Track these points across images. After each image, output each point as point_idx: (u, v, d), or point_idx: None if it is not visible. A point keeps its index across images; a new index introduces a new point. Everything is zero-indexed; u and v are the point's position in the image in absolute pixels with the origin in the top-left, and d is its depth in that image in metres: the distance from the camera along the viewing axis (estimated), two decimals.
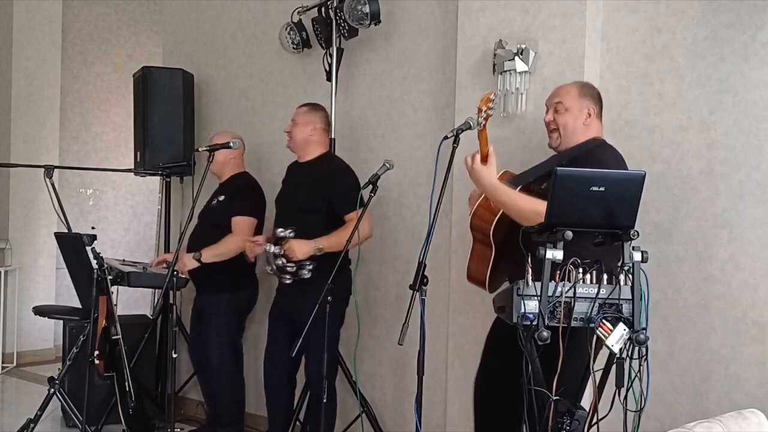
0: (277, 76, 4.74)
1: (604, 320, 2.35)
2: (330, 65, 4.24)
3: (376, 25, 4.04)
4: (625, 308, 2.38)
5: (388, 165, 3.55)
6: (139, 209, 7.74)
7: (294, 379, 4.04)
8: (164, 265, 4.20)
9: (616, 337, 2.34)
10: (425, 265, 2.87)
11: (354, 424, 4.05)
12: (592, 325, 2.35)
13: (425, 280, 2.89)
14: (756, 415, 2.13)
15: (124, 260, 4.49)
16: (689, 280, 3.10)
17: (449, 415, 3.70)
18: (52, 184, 4.11)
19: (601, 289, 2.37)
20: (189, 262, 4.08)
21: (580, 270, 2.38)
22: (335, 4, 4.13)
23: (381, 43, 4.19)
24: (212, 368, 4.31)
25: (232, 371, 4.35)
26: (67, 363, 3.99)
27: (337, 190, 3.81)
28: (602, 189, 2.34)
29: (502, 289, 2.61)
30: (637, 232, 2.37)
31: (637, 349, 2.38)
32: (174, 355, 3.69)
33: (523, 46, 3.36)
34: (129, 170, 5.34)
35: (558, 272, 2.36)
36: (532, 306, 2.35)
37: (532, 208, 2.65)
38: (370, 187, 3.52)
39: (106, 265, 3.71)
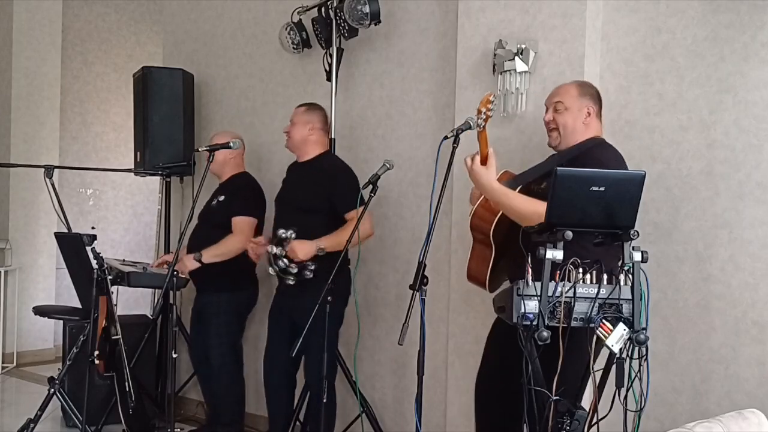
0: (277, 76, 4.74)
1: (604, 320, 2.35)
2: (330, 65, 4.24)
3: (376, 25, 4.04)
4: (625, 308, 2.38)
5: (388, 165, 3.55)
6: (139, 209, 7.74)
7: (294, 379, 4.04)
8: (165, 266, 4.20)
9: (616, 337, 2.34)
10: (425, 265, 2.87)
11: (354, 424, 4.05)
12: (592, 325, 2.35)
13: (425, 280, 2.89)
14: (756, 415, 2.13)
15: (124, 260, 4.49)
16: (689, 280, 3.10)
17: (449, 415, 3.70)
18: (52, 184, 4.11)
19: (601, 289, 2.37)
20: (190, 263, 4.08)
21: (580, 270, 2.38)
22: (335, 4, 4.13)
23: (381, 43, 4.19)
24: (212, 368, 4.31)
25: (232, 371, 4.35)
26: (67, 363, 3.99)
27: (337, 189, 3.81)
28: (602, 189, 2.34)
29: (502, 289, 2.61)
30: (637, 232, 2.37)
31: (637, 349, 2.38)
32: (174, 355, 3.69)
33: (523, 46, 3.36)
34: (129, 170, 5.34)
35: (558, 272, 2.36)
36: (532, 306, 2.35)
37: (532, 209, 2.65)
38: (370, 186, 3.52)
39: (106, 265, 3.70)
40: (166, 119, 4.85)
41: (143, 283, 4.03)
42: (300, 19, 4.39)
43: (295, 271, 3.68)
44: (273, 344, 4.01)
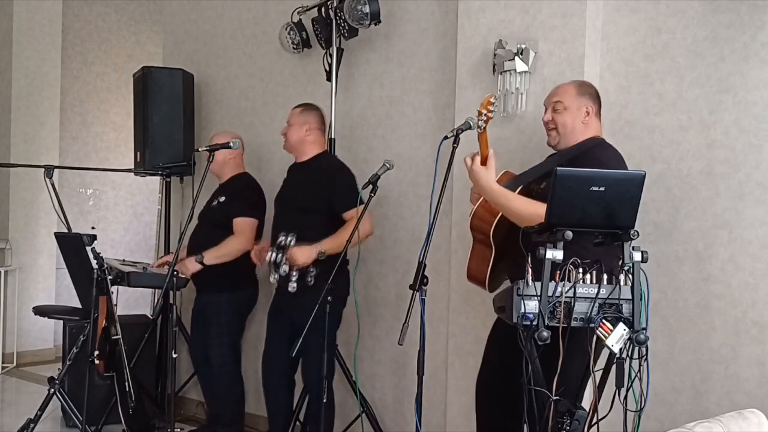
0: (277, 76, 4.74)
1: (604, 320, 2.35)
2: (330, 65, 4.24)
3: (376, 25, 4.04)
4: (625, 308, 2.38)
5: (388, 165, 3.55)
6: (139, 209, 7.74)
7: (293, 379, 4.04)
8: (166, 267, 4.20)
9: (616, 337, 2.34)
10: (425, 265, 2.87)
11: (354, 424, 4.05)
12: (592, 325, 2.36)
13: (425, 280, 2.89)
14: (756, 415, 2.13)
15: (124, 260, 4.49)
16: (689, 280, 3.10)
17: (449, 415, 3.70)
18: (52, 184, 4.11)
19: (601, 289, 2.37)
20: (192, 265, 4.09)
21: (580, 270, 2.38)
22: (335, 4, 4.13)
23: (381, 43, 4.19)
24: (212, 368, 4.31)
25: (232, 371, 4.35)
26: (67, 363, 3.99)
27: (335, 189, 3.81)
28: (602, 189, 2.34)
29: (502, 289, 2.61)
30: (637, 232, 2.37)
31: (637, 349, 2.38)
32: (174, 355, 3.69)
33: (523, 46, 3.36)
34: (129, 170, 5.34)
35: (558, 272, 2.36)
36: (532, 306, 2.35)
37: (531, 211, 2.65)
38: (370, 186, 3.52)
39: (106, 265, 3.71)
40: (166, 119, 4.85)
41: (143, 283, 4.03)
42: (300, 19, 4.39)
43: (296, 277, 3.68)
44: (272, 345, 4.00)
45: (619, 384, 2.37)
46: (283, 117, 4.11)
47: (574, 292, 2.35)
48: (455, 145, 2.95)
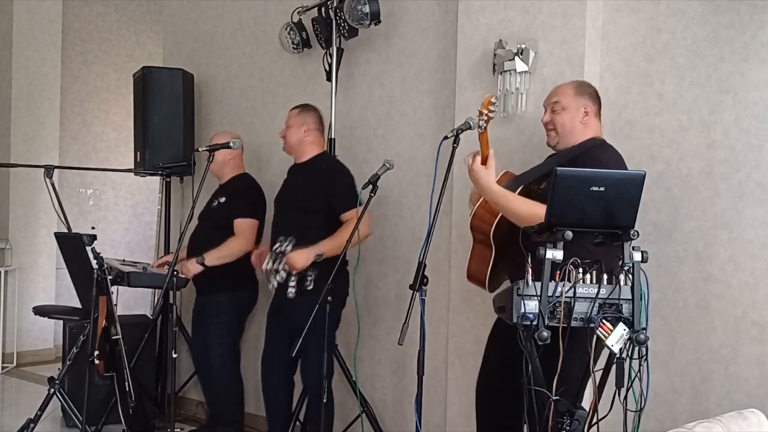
0: (277, 76, 4.74)
1: (604, 320, 2.35)
2: (330, 65, 4.24)
3: (376, 25, 4.04)
4: (625, 308, 2.38)
5: (388, 165, 3.55)
6: (139, 209, 7.74)
7: (292, 380, 4.03)
8: (166, 267, 4.20)
9: (616, 337, 2.34)
10: (425, 265, 2.87)
11: (354, 424, 4.05)
12: (592, 325, 2.35)
13: (425, 280, 2.89)
14: (756, 415, 2.13)
15: (124, 260, 4.49)
16: (689, 280, 3.10)
17: (449, 415, 3.70)
18: (52, 184, 4.11)
19: (601, 289, 2.37)
20: (193, 267, 4.09)
21: (580, 270, 2.38)
22: (335, 4, 4.13)
23: (381, 43, 4.19)
24: (212, 368, 4.31)
25: (232, 371, 4.35)
26: (67, 363, 3.99)
27: (334, 189, 3.81)
28: (602, 189, 2.34)
29: (502, 289, 2.61)
30: (637, 232, 2.37)
31: (637, 349, 2.38)
32: (174, 355, 3.69)
33: (523, 46, 3.36)
34: (129, 170, 5.34)
35: (558, 272, 2.36)
36: (532, 306, 2.35)
37: (530, 212, 2.65)
38: (370, 187, 3.52)
39: (106, 265, 3.71)
40: (166, 119, 4.85)
41: (143, 283, 4.03)
42: (300, 19, 4.39)
43: (294, 282, 3.67)
44: (271, 345, 4.01)
45: (619, 384, 2.37)
46: (283, 117, 4.10)
47: (574, 292, 2.35)
48: (455, 145, 2.95)
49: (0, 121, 6.75)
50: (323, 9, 4.24)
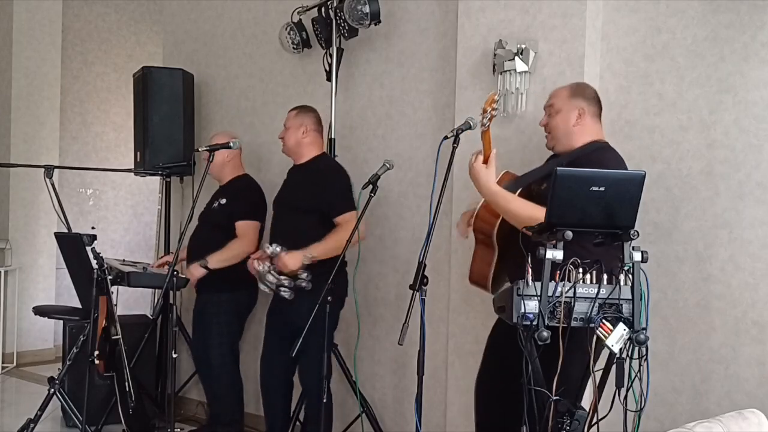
0: (277, 76, 4.74)
1: (604, 320, 2.35)
2: (330, 65, 4.24)
3: (376, 25, 4.04)
4: (625, 308, 2.38)
5: (388, 165, 3.55)
6: (139, 209, 7.74)
7: (291, 381, 4.03)
8: (166, 267, 4.20)
9: (616, 337, 2.34)
10: (425, 265, 2.87)
11: (354, 424, 4.05)
12: (592, 325, 2.35)
13: (425, 280, 2.89)
14: (756, 415, 2.13)
15: (124, 260, 4.49)
16: (689, 280, 3.10)
17: (449, 415, 3.70)
18: (52, 184, 4.11)
19: (601, 289, 2.37)
20: (197, 271, 4.09)
21: (580, 270, 2.38)
22: (335, 4, 4.13)
23: (381, 43, 4.19)
24: (212, 368, 4.31)
25: (232, 371, 4.36)
26: (67, 363, 3.99)
27: (330, 191, 3.81)
28: (602, 189, 2.34)
29: (503, 289, 2.61)
30: (637, 232, 2.37)
31: (637, 349, 2.38)
32: (174, 355, 3.69)
33: (523, 46, 3.37)
34: (129, 170, 5.34)
35: (558, 272, 2.36)
36: (532, 306, 2.35)
37: (529, 213, 2.65)
38: (370, 187, 3.52)
39: (106, 265, 3.71)
40: (166, 119, 4.85)
41: (143, 283, 4.03)
42: (300, 19, 4.39)
43: (286, 282, 3.67)
44: (270, 346, 4.01)
45: (619, 384, 2.37)
46: (282, 117, 4.10)
47: (574, 292, 2.35)
48: (455, 145, 2.95)
49: (0, 121, 6.75)
50: (323, 9, 4.24)
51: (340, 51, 4.22)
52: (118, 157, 7.43)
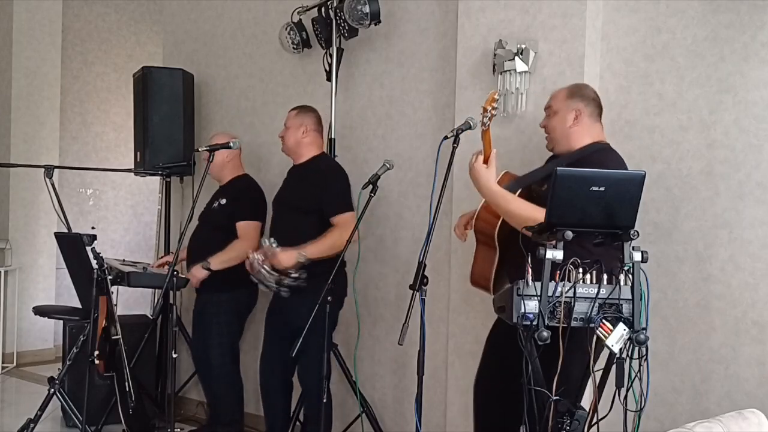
0: (277, 76, 4.74)
1: (604, 320, 2.35)
2: (330, 65, 4.24)
3: (376, 25, 4.04)
4: (625, 308, 2.38)
5: (388, 165, 3.55)
6: (139, 209, 7.74)
7: (291, 382, 4.03)
8: (166, 267, 4.20)
9: (616, 337, 2.34)
10: (425, 265, 2.87)
11: (354, 424, 4.05)
12: (592, 325, 2.35)
13: (425, 280, 2.89)
14: (756, 415, 2.13)
15: (124, 260, 4.49)
16: (689, 280, 3.10)
17: (449, 415, 3.70)
18: (52, 184, 4.11)
19: (601, 289, 2.37)
20: (199, 273, 4.09)
21: (580, 270, 2.38)
22: (335, 4, 4.13)
23: (381, 43, 4.19)
24: (212, 368, 4.31)
25: (232, 371, 4.35)
26: (67, 363, 3.99)
27: (327, 192, 3.81)
28: (602, 189, 2.34)
29: (503, 289, 2.61)
30: (637, 232, 2.37)
31: (637, 349, 2.38)
32: (174, 355, 3.69)
33: (523, 46, 3.37)
34: (129, 170, 5.34)
35: (558, 272, 2.36)
36: (532, 306, 2.35)
37: (528, 214, 2.64)
38: (370, 187, 3.52)
39: (106, 265, 3.71)
40: (166, 119, 4.85)
41: (143, 283, 4.03)
42: (300, 19, 4.39)
43: (276, 277, 3.65)
44: (269, 346, 4.01)
45: (619, 384, 2.37)
46: (282, 117, 4.10)
47: (574, 292, 2.35)
48: (455, 145, 2.95)
49: (0, 121, 6.75)
50: (323, 9, 4.24)
51: (340, 51, 4.22)
52: (118, 157, 7.43)
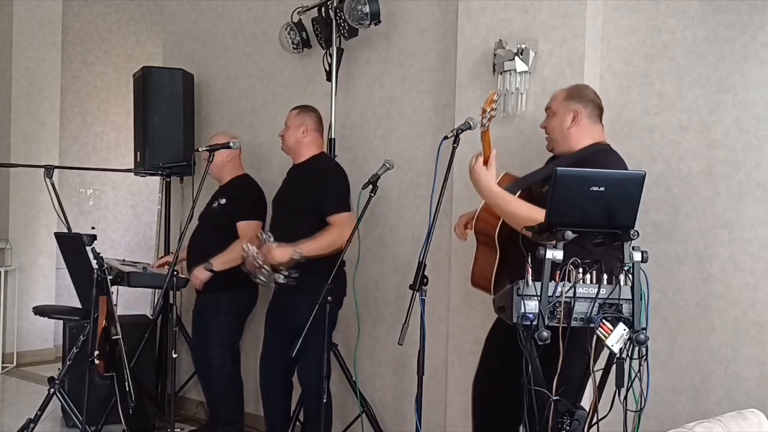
0: (277, 76, 4.74)
1: (604, 320, 2.35)
2: (330, 65, 4.24)
3: (376, 25, 4.04)
4: (625, 308, 2.38)
5: (388, 165, 3.55)
6: (139, 209, 7.74)
7: (290, 382, 4.03)
8: (166, 267, 4.20)
9: (616, 337, 2.34)
10: (425, 265, 2.87)
11: (354, 424, 4.05)
12: (592, 325, 2.36)
13: (425, 280, 2.89)
14: (756, 415, 2.13)
15: (124, 260, 4.49)
16: (689, 280, 3.10)
17: (449, 415, 3.70)
18: (52, 184, 4.11)
19: (601, 289, 2.37)
20: (201, 274, 4.09)
21: (580, 270, 2.38)
22: (335, 4, 4.13)
23: (381, 43, 4.19)
24: (212, 368, 4.31)
25: (232, 371, 4.35)
26: (67, 363, 3.99)
27: (324, 191, 3.81)
28: (602, 189, 2.34)
29: (503, 290, 2.61)
30: (637, 232, 2.37)
31: (637, 349, 2.38)
32: (174, 355, 3.70)
33: (523, 46, 3.37)
34: (129, 170, 5.34)
35: (558, 272, 2.36)
36: (532, 306, 2.35)
37: (528, 215, 2.64)
38: (370, 187, 3.52)
39: (106, 265, 3.71)
40: (166, 119, 4.85)
41: (143, 283, 4.04)
42: (300, 19, 4.39)
43: (268, 272, 3.64)
44: (269, 347, 4.01)
45: (619, 384, 2.37)
46: (283, 117, 4.11)
47: (574, 292, 2.35)
48: (455, 145, 2.95)
49: (0, 121, 6.75)
50: (323, 9, 4.24)
51: (340, 51, 4.22)
52: (118, 157, 7.43)
